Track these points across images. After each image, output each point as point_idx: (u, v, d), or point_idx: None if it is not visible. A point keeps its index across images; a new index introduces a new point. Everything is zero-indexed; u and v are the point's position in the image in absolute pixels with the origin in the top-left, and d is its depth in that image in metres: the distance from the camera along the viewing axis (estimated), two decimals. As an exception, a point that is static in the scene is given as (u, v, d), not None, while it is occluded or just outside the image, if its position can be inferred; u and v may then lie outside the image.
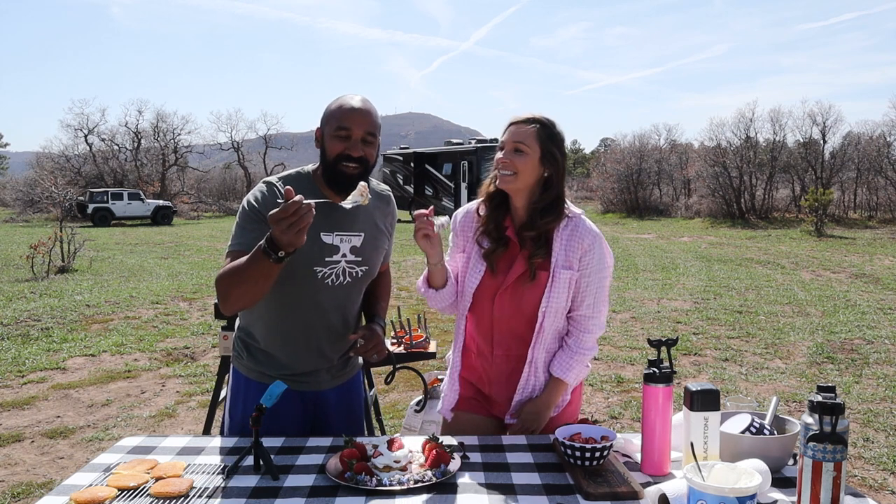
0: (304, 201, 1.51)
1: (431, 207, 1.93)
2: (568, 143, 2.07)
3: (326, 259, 1.88)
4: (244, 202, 1.86)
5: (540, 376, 2.00)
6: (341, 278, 1.91)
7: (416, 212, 1.86)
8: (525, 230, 1.97)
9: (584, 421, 1.87)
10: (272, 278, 1.66)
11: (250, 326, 1.98)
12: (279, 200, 1.81)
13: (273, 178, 1.90)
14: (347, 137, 1.82)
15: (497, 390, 2.06)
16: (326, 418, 2.02)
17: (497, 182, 1.97)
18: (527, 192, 1.97)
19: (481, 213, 2.05)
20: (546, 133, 1.95)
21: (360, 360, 2.17)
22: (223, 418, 2.06)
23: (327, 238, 1.87)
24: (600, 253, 1.97)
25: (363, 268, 1.95)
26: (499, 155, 1.97)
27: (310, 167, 1.96)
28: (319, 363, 1.98)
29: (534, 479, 1.57)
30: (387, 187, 2.12)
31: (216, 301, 3.22)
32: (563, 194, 2.00)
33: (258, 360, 1.96)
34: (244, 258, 1.67)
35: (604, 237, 2.01)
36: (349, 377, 2.09)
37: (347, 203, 1.73)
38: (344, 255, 1.90)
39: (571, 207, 2.01)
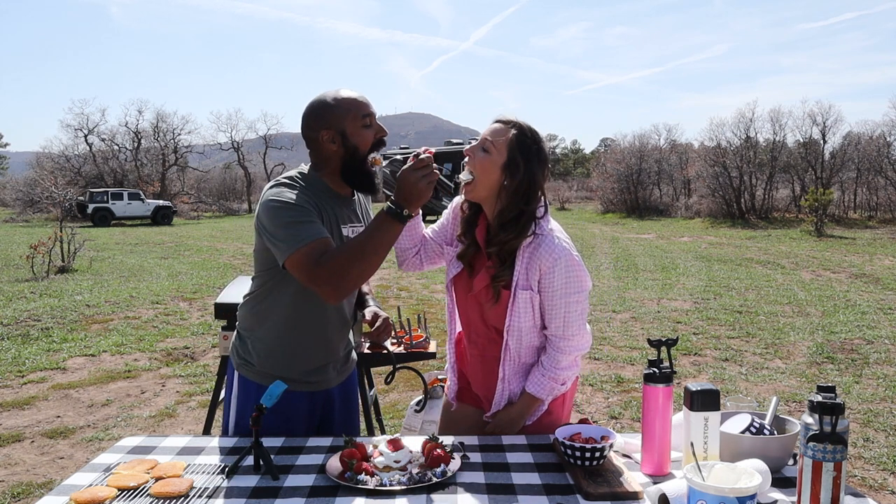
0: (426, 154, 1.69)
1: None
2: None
3: None
4: (281, 201, 1.77)
5: (515, 390, 1.96)
6: None
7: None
8: (489, 244, 1.89)
9: (584, 421, 1.87)
10: (393, 244, 1.78)
11: (261, 331, 1.97)
12: (307, 195, 1.79)
13: (283, 179, 1.88)
14: (371, 124, 1.88)
15: (476, 385, 2.08)
16: (331, 416, 2.06)
17: (462, 190, 1.90)
18: (491, 201, 1.88)
19: (464, 210, 2.00)
20: (519, 141, 1.84)
21: (354, 356, 2.19)
22: (225, 419, 2.06)
23: (346, 230, 1.93)
24: (565, 276, 1.82)
25: None
26: (471, 145, 1.90)
27: (305, 168, 1.94)
28: (329, 357, 2.01)
29: (534, 479, 1.57)
30: None
31: (216, 301, 3.24)
32: (533, 213, 1.86)
33: (271, 363, 1.96)
34: (361, 234, 1.75)
35: (573, 258, 1.84)
36: (349, 373, 2.13)
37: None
38: None
39: (544, 224, 1.87)
